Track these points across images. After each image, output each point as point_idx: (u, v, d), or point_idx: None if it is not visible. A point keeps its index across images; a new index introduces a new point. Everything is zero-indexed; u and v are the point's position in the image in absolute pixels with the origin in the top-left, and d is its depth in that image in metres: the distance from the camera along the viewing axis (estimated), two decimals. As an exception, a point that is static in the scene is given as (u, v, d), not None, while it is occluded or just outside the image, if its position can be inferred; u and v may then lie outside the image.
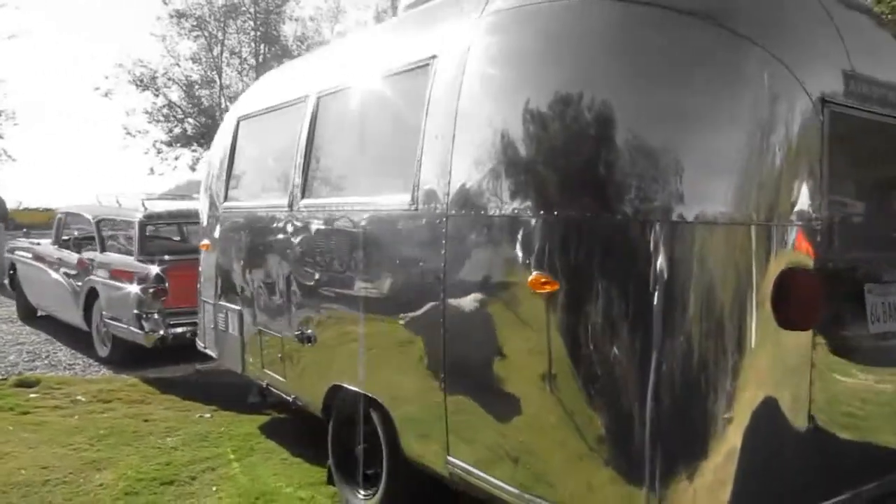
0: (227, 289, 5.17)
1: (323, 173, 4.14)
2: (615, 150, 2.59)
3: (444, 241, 3.06)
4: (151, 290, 7.04)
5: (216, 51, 28.93)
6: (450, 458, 3.10)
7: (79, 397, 6.46)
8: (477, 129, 2.98)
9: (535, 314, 2.70)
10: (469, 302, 2.97)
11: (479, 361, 2.92)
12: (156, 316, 7.11)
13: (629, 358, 2.55)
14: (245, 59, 29.30)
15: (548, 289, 2.65)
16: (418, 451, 3.32)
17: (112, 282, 7.62)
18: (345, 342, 3.81)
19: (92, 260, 8.04)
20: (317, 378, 4.08)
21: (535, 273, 2.68)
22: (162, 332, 7.06)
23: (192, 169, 28.58)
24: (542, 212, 2.68)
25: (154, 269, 7.08)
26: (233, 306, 5.06)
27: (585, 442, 2.59)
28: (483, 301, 2.90)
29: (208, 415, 5.89)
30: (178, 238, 9.04)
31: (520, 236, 2.76)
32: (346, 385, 3.81)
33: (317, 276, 4.02)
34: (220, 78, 29.02)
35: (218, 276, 5.31)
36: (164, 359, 7.54)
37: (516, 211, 2.76)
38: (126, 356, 7.74)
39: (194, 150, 28.47)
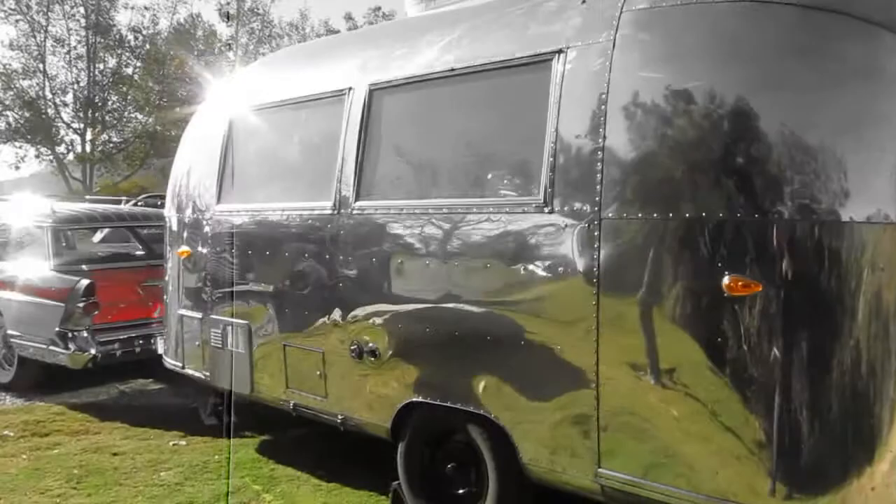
0: (227, 300, 4.64)
1: (394, 173, 3.80)
2: (811, 153, 2.60)
3: (596, 245, 2.91)
4: (81, 305, 6.18)
5: (40, 38, 26.17)
6: (601, 471, 2.95)
7: (6, 432, 5.54)
8: (637, 127, 2.86)
9: (727, 317, 2.63)
10: (634, 305, 2.84)
11: (643, 365, 2.81)
12: (84, 334, 6.26)
13: (819, 361, 2.58)
14: (74, 48, 26.75)
15: (747, 291, 2.60)
16: (552, 467, 3.13)
17: (19, 295, 6.63)
18: (431, 355, 3.52)
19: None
20: (383, 396, 3.75)
21: (730, 276, 2.61)
22: (93, 352, 6.23)
23: (16, 167, 25.70)
24: (738, 214, 2.62)
25: (83, 281, 6.22)
26: (236, 320, 4.55)
27: (772, 441, 2.58)
28: (655, 304, 2.79)
29: (183, 441, 5.27)
30: (96, 243, 8.02)
31: (706, 239, 2.68)
32: (430, 402, 3.54)
33: (386, 284, 3.69)
34: (44, 67, 26.29)
35: (209, 286, 4.76)
36: (73, 381, 6.68)
37: (702, 213, 2.67)
38: (36, 380, 6.79)
39: (19, 147, 25.59)
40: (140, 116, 27.73)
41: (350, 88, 3.96)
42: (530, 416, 3.18)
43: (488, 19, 3.63)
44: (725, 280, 2.62)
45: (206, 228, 4.78)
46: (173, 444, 5.20)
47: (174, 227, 5.17)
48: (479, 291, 3.32)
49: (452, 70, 3.50)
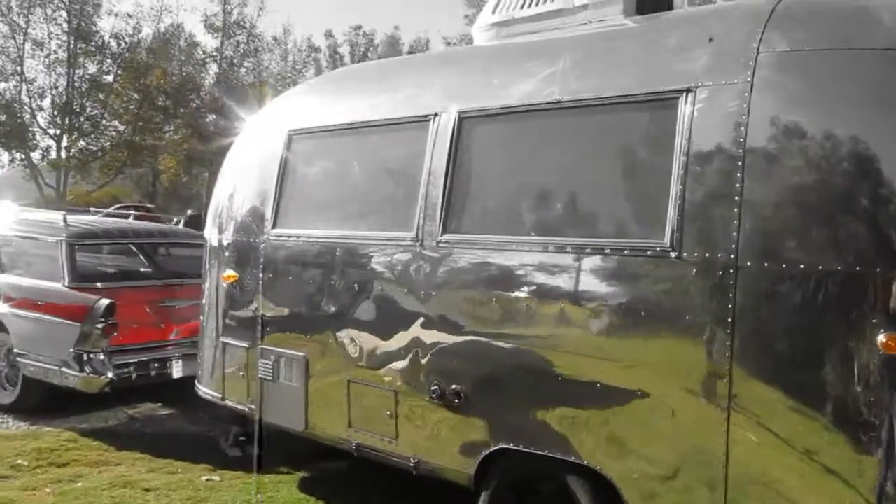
0: (282, 330, 4.40)
1: (487, 205, 3.62)
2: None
3: (731, 294, 2.77)
4: (100, 326, 5.86)
5: (19, 40, 25.51)
6: (727, 534, 2.79)
7: (19, 461, 5.20)
8: (781, 172, 2.74)
9: (883, 376, 2.51)
10: (773, 360, 2.70)
11: (781, 427, 2.67)
12: (101, 356, 5.93)
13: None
14: (54, 52, 26.12)
15: (904, 351, 2.48)
16: (667, 527, 2.96)
17: (28, 312, 6.29)
18: (527, 400, 3.33)
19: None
20: (466, 441, 3.55)
21: (887, 333, 2.49)
22: (110, 376, 5.90)
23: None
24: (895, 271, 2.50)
25: (103, 301, 5.90)
26: (292, 352, 4.31)
27: None
28: (799, 361, 2.65)
29: (216, 477, 4.98)
30: (112, 259, 7.64)
31: (859, 293, 2.56)
32: (523, 449, 3.35)
33: (475, 322, 3.51)
34: (22, 70, 25.61)
35: (261, 314, 4.51)
36: (77, 404, 6.34)
37: (855, 267, 2.55)
38: (40, 403, 6.42)
39: (-7, 151, 24.83)
40: (118, 125, 27.15)
41: (436, 114, 3.79)
42: (643, 471, 3.01)
43: (597, 51, 3.50)
44: (882, 337, 2.50)
45: (259, 253, 4.55)
46: (207, 480, 4.91)
47: (217, 250, 4.92)
48: (589, 336, 3.15)
49: (559, 102, 3.36)
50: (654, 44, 3.30)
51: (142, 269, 7.09)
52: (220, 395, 4.83)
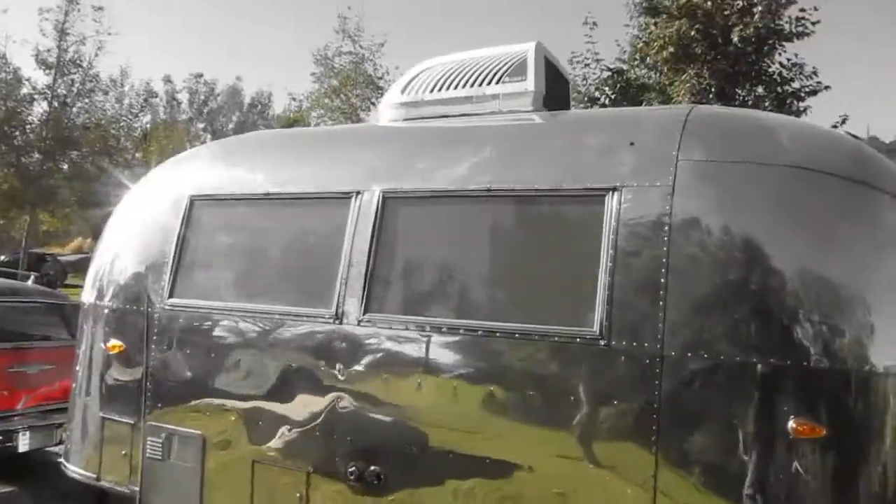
0: (175, 406, 4.14)
1: (413, 286, 3.64)
2: (866, 308, 2.89)
3: (657, 382, 2.98)
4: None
5: None
6: None
7: None
8: (699, 271, 3.02)
9: (795, 456, 2.80)
10: (696, 448, 2.93)
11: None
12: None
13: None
14: None
15: (812, 435, 2.78)
16: None
17: None
18: (452, 482, 3.36)
19: None
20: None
21: (796, 419, 2.79)
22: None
23: None
24: (803, 363, 2.82)
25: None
26: (186, 430, 4.06)
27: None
28: (719, 447, 2.90)
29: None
30: None
31: (771, 383, 2.85)
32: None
33: (397, 403, 3.50)
34: None
35: (149, 388, 4.22)
36: None
37: (768, 359, 2.85)
38: None
39: None
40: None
41: (358, 192, 3.82)
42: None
43: (525, 144, 3.69)
44: (791, 423, 2.79)
45: (150, 323, 4.28)
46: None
47: (97, 317, 4.57)
48: (521, 419, 3.25)
49: (490, 190, 3.50)
50: (579, 142, 3.55)
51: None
52: (94, 475, 4.43)
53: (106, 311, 4.52)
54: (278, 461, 3.79)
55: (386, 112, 4.55)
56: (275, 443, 3.81)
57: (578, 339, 3.15)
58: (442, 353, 3.44)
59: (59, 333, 6.67)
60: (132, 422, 4.28)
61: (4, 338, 6.28)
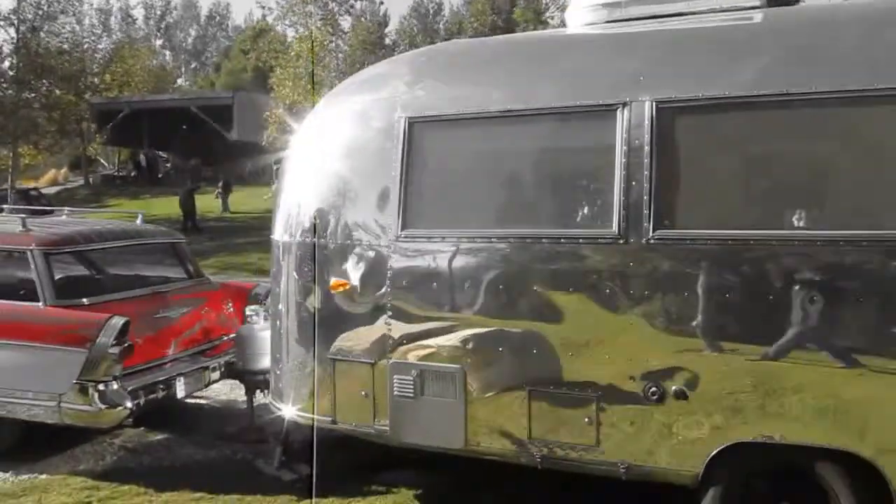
0: (424, 343, 3.99)
1: (714, 197, 3.48)
2: None
3: None
4: (115, 349, 4.96)
5: None
6: None
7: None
8: None
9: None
10: None
11: None
12: (114, 385, 5.04)
13: None
14: None
15: None
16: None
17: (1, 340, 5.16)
18: (773, 389, 3.30)
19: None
20: (692, 440, 3.45)
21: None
22: (129, 406, 5.04)
23: None
24: None
25: (117, 319, 4.98)
26: (442, 365, 3.93)
27: None
28: None
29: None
30: (86, 268, 6.38)
31: None
32: (765, 441, 3.33)
33: (697, 320, 3.41)
34: None
35: (390, 326, 4.05)
36: (39, 443, 5.43)
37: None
38: (11, 446, 5.36)
39: None
40: None
41: (624, 103, 3.58)
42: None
43: (806, 44, 3.49)
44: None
45: (382, 258, 4.07)
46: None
47: (304, 256, 4.33)
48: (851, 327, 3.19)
49: (787, 94, 3.31)
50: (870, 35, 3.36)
51: (124, 278, 6.10)
52: (329, 419, 4.29)
53: (317, 249, 4.28)
54: (559, 388, 3.70)
55: (580, 15, 4.26)
56: (553, 370, 3.70)
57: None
58: (757, 268, 3.32)
59: (185, 273, 6.39)
60: (371, 361, 4.12)
61: (141, 284, 6.01)
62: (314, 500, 4.47)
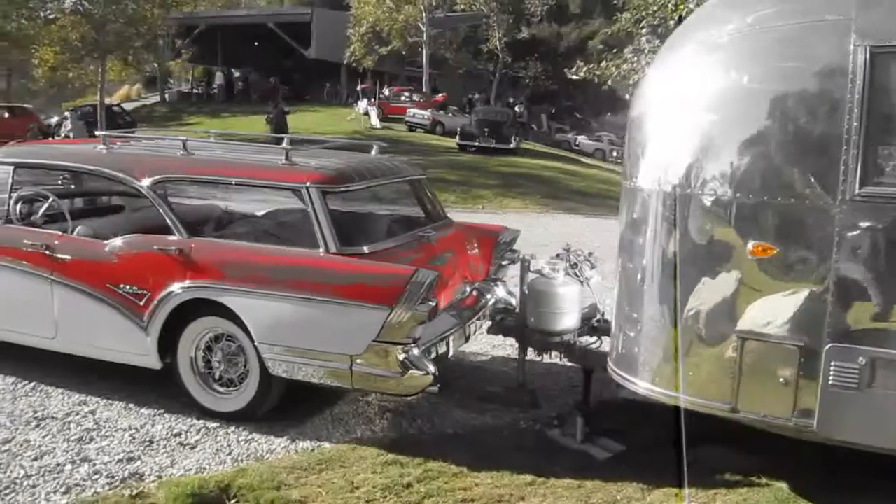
0: (882, 322, 3.27)
1: None
2: None
3: None
4: (423, 308, 4.32)
5: None
6: None
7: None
8: None
9: None
10: None
11: None
12: (415, 349, 4.42)
13: None
14: None
15: None
16: None
17: (276, 292, 4.52)
18: None
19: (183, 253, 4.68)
20: None
21: None
22: (432, 370, 4.42)
23: None
24: None
25: (425, 273, 4.31)
26: (909, 353, 3.21)
27: None
28: None
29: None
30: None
31: None
32: None
33: None
34: None
35: (834, 304, 3.32)
36: (290, 406, 4.87)
37: None
38: (275, 407, 4.82)
39: None
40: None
41: None
42: None
43: None
44: None
45: (828, 220, 3.30)
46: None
47: (704, 212, 3.58)
48: None
49: None
50: None
51: (391, 221, 5.43)
52: (727, 406, 3.62)
53: (728, 205, 3.52)
54: None
55: None
56: None
57: None
58: None
59: (434, 214, 5.70)
60: (800, 343, 3.41)
61: (406, 228, 5.33)
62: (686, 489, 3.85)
